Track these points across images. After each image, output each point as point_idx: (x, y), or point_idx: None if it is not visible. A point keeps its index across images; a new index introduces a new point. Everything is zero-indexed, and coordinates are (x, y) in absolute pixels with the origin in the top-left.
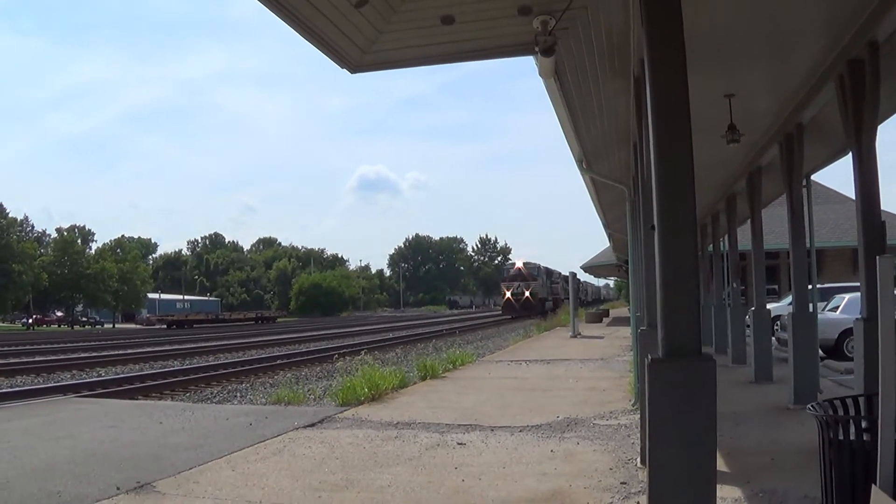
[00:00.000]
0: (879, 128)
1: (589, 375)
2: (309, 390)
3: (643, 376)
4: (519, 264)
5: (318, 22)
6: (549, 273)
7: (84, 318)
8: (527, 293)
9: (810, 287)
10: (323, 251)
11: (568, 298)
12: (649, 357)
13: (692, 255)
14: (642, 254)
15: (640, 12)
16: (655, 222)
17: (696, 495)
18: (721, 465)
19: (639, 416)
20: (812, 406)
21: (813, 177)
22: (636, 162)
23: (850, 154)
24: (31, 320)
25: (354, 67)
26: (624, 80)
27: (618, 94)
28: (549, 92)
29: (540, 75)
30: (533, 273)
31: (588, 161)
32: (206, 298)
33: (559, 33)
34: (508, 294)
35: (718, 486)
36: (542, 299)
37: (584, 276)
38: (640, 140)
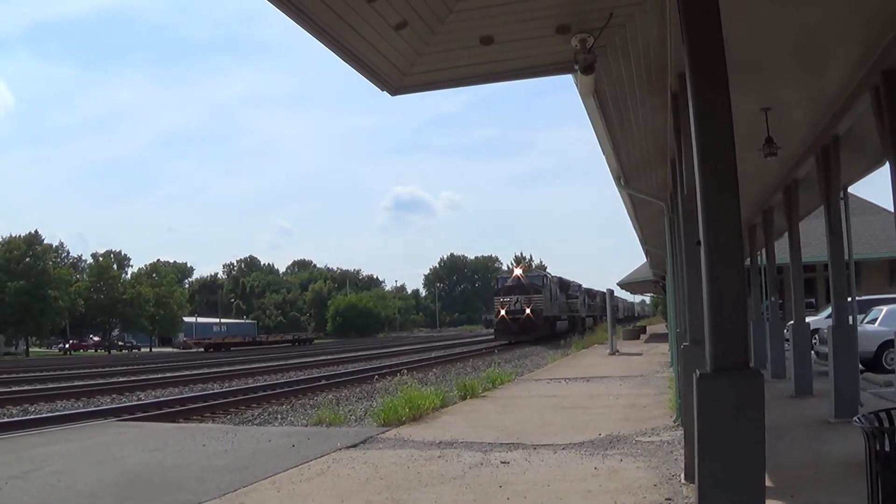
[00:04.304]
0: None
1: (629, 392)
2: (350, 411)
3: (690, 392)
4: (517, 272)
5: (359, 46)
6: (565, 285)
7: (121, 343)
8: (527, 310)
9: (849, 300)
10: (358, 272)
11: (591, 316)
12: (697, 372)
13: (739, 268)
14: (684, 269)
15: (680, 28)
16: (701, 237)
17: None
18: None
19: (681, 432)
20: (858, 418)
21: (848, 188)
22: (674, 178)
23: (887, 164)
24: (67, 345)
25: (395, 90)
26: (661, 97)
27: (655, 111)
28: (588, 110)
29: (580, 93)
30: (535, 284)
31: (626, 177)
32: (243, 321)
33: (597, 51)
34: (503, 312)
35: None
36: (549, 318)
37: (618, 293)
38: (678, 156)
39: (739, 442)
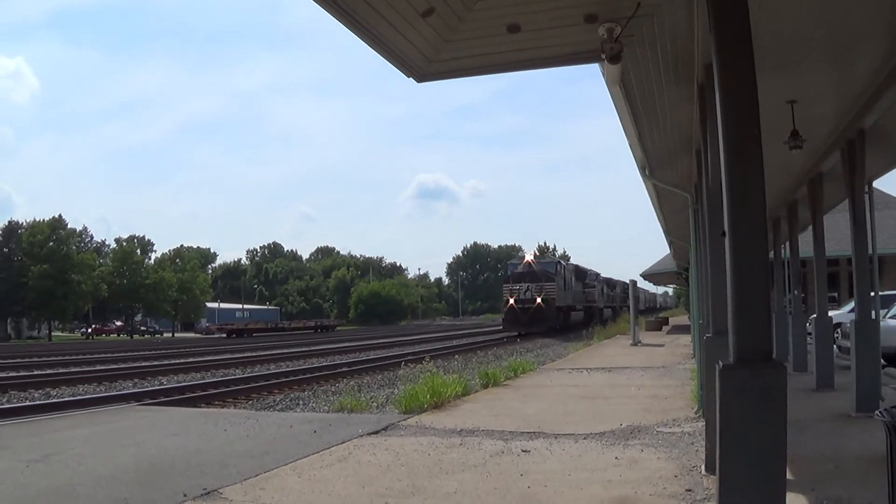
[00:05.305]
0: None
1: (651, 383)
2: (371, 398)
3: (712, 383)
4: (528, 258)
5: (386, 33)
6: (581, 273)
7: (143, 328)
8: (538, 299)
9: (872, 294)
10: (381, 260)
11: (610, 307)
12: (720, 363)
13: (763, 259)
14: (708, 260)
15: (708, 19)
16: (726, 228)
17: (766, 502)
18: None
19: (702, 423)
20: (879, 412)
21: (873, 182)
22: (699, 169)
23: None
24: (90, 330)
25: (421, 77)
26: (687, 88)
27: (681, 102)
28: (615, 99)
29: (606, 83)
30: (548, 271)
31: (651, 168)
32: (266, 307)
33: (624, 41)
34: (512, 300)
35: None
36: (563, 308)
37: (641, 284)
38: (703, 147)
39: (761, 434)
